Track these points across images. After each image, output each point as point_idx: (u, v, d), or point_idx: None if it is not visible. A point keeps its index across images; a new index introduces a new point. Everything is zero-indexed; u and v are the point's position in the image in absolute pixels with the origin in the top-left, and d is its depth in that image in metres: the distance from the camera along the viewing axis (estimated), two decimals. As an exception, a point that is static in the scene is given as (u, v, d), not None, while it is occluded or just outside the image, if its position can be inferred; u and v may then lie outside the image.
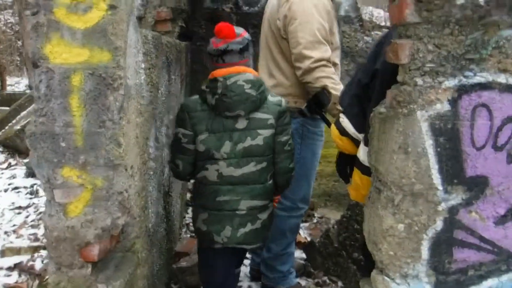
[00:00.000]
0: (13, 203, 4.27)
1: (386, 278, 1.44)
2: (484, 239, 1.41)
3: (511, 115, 1.36)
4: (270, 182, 2.21)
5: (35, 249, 3.28)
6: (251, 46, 2.18)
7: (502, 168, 1.37)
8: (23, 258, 3.18)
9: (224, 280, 2.28)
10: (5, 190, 4.60)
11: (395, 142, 1.37)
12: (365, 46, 4.53)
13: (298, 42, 2.52)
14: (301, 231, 3.60)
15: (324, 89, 2.52)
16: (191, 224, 3.68)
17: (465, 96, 1.34)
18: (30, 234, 3.59)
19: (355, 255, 2.82)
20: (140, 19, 2.02)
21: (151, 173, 2.19)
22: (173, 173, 2.28)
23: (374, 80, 1.73)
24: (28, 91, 9.59)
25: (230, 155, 2.09)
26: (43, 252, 3.21)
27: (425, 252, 1.40)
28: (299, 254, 3.31)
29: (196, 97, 2.15)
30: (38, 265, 3.09)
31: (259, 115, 2.10)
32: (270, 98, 2.15)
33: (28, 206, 4.21)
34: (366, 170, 1.70)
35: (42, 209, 4.06)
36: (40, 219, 3.86)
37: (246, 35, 2.15)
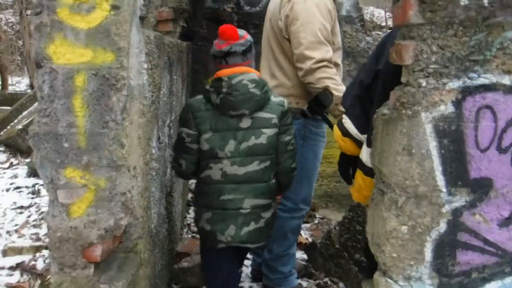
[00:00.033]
0: (15, 202, 4.27)
1: (389, 280, 1.44)
2: (488, 242, 1.41)
3: (516, 117, 1.36)
4: (273, 181, 2.23)
5: (37, 249, 3.28)
6: (253, 48, 2.21)
7: (507, 170, 1.36)
8: (25, 257, 3.17)
9: (227, 280, 2.28)
10: (7, 190, 4.60)
11: (398, 143, 1.37)
12: (366, 47, 4.53)
13: (299, 43, 2.52)
14: (302, 232, 3.61)
15: (326, 90, 2.52)
16: (192, 224, 3.70)
17: (469, 98, 1.34)
18: (32, 234, 3.59)
19: (357, 257, 2.82)
20: (142, 19, 2.01)
21: (154, 173, 2.19)
22: (176, 172, 2.30)
23: (376, 81, 1.72)
24: (29, 90, 9.60)
25: (234, 153, 2.11)
26: (45, 252, 3.21)
27: (428, 254, 1.40)
28: (300, 255, 3.31)
29: (200, 97, 2.17)
30: (40, 264, 3.09)
31: (262, 114, 2.12)
32: (273, 98, 2.19)
33: (30, 206, 4.21)
34: (369, 172, 1.69)
35: (44, 209, 4.07)
36: (42, 218, 3.87)
37: (249, 37, 2.19)
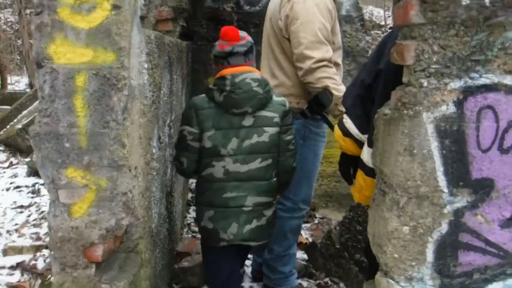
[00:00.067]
0: (15, 202, 4.27)
1: (390, 280, 1.43)
2: (490, 242, 1.41)
3: (517, 117, 1.36)
4: (275, 179, 2.25)
5: (37, 248, 3.28)
6: (254, 49, 2.24)
7: (508, 171, 1.36)
8: (25, 257, 3.17)
9: (228, 279, 2.28)
10: (7, 189, 4.60)
11: (400, 144, 1.37)
12: (366, 46, 4.53)
13: (299, 42, 2.52)
14: (302, 232, 3.60)
15: (326, 90, 2.52)
16: (192, 224, 3.70)
17: (471, 98, 1.34)
18: (32, 233, 3.59)
19: (357, 257, 2.82)
20: (143, 19, 2.01)
21: (154, 173, 2.19)
22: (178, 170, 2.32)
23: (377, 81, 1.72)
24: (28, 90, 9.60)
25: (237, 151, 2.13)
26: (45, 251, 3.21)
27: (430, 255, 1.40)
28: (300, 255, 3.31)
29: (202, 95, 2.19)
30: (40, 264, 3.09)
31: (265, 113, 2.15)
32: (275, 98, 2.22)
33: (30, 205, 4.21)
34: (370, 172, 1.69)
35: (44, 208, 4.07)
36: (42, 218, 3.87)
37: (249, 38, 2.22)
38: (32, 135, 1.62)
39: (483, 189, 1.38)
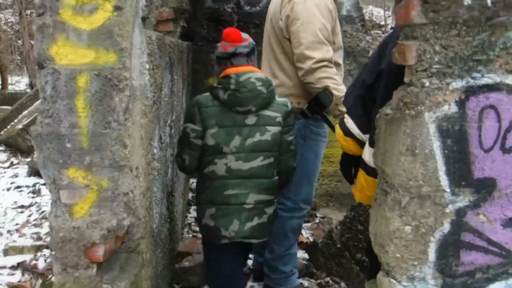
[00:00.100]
0: (15, 202, 4.28)
1: (392, 280, 1.44)
2: (492, 242, 1.41)
3: (519, 117, 1.36)
4: (276, 178, 2.27)
5: (38, 248, 3.28)
6: (256, 51, 2.27)
7: (510, 170, 1.36)
8: (26, 257, 3.18)
9: (230, 277, 2.29)
10: (8, 189, 4.61)
11: (402, 144, 1.37)
12: (367, 46, 4.53)
13: (300, 43, 2.52)
14: (303, 231, 3.61)
15: (326, 90, 2.52)
16: (193, 224, 3.70)
17: (473, 98, 1.34)
18: (33, 233, 3.60)
19: (358, 256, 2.82)
20: (144, 20, 2.01)
21: (155, 173, 2.19)
22: (179, 167, 2.33)
23: (379, 81, 1.72)
24: (28, 90, 9.60)
25: (239, 149, 2.15)
26: (46, 251, 3.22)
27: (432, 255, 1.40)
28: (301, 254, 3.31)
29: (206, 94, 2.22)
30: (41, 264, 3.09)
31: (268, 112, 2.18)
32: (278, 98, 2.25)
33: (30, 205, 4.21)
34: (371, 172, 1.69)
35: (44, 208, 4.07)
36: (42, 218, 3.87)
37: (251, 40, 2.26)
38: (33, 136, 1.62)
39: (485, 188, 1.38)
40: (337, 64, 2.68)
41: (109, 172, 1.65)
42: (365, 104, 1.80)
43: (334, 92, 2.50)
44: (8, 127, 6.01)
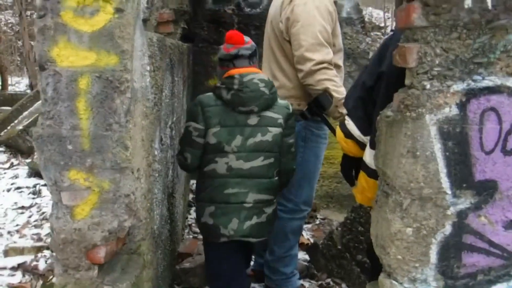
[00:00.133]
0: (15, 203, 4.28)
1: (394, 282, 1.44)
2: (493, 244, 1.41)
3: (520, 119, 1.36)
4: (276, 178, 2.30)
5: (39, 249, 3.28)
6: (257, 54, 2.31)
7: (511, 173, 1.37)
8: (27, 258, 3.18)
9: (230, 278, 2.29)
10: (8, 190, 4.61)
11: (403, 146, 1.37)
12: (367, 48, 4.54)
13: (300, 45, 2.53)
14: (303, 233, 3.61)
15: (326, 92, 2.52)
16: (193, 225, 3.71)
17: (474, 100, 1.34)
18: (33, 234, 3.60)
19: (359, 257, 2.82)
20: (145, 21, 2.02)
21: (156, 175, 2.19)
22: (181, 165, 2.36)
23: (379, 83, 1.73)
24: (28, 91, 9.60)
25: (240, 148, 2.17)
26: (47, 252, 3.22)
27: (433, 256, 1.40)
28: (302, 255, 3.31)
29: (209, 93, 2.25)
30: (41, 265, 3.09)
31: (269, 113, 2.21)
32: (279, 100, 2.28)
33: (30, 206, 4.22)
34: (372, 173, 1.69)
35: (45, 209, 4.07)
36: (43, 219, 3.87)
37: (252, 42, 2.30)
38: (35, 137, 1.62)
39: (486, 190, 1.38)
40: (337, 66, 2.68)
41: (110, 174, 1.65)
42: (366, 106, 1.81)
43: (334, 94, 2.51)
44: (8, 128, 6.01)
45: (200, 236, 2.47)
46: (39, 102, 1.68)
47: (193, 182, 4.20)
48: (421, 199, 1.37)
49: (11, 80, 12.45)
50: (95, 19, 1.58)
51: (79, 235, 1.65)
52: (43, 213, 4.00)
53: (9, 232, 3.65)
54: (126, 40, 1.61)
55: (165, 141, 2.45)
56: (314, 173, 2.83)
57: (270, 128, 2.20)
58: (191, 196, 4.19)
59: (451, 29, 1.34)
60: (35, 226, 3.77)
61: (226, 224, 2.17)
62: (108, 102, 1.61)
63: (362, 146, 1.83)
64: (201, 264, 2.85)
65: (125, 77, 1.61)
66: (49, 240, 1.72)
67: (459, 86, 1.35)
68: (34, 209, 4.14)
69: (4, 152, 5.77)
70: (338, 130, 1.92)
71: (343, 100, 2.36)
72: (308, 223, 3.97)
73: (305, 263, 3.25)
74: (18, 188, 4.66)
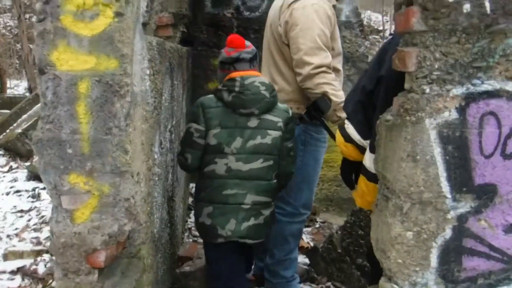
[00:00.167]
0: (15, 206, 4.26)
1: (394, 286, 1.44)
2: (494, 248, 1.41)
3: (520, 123, 1.36)
4: (275, 181, 2.31)
5: (38, 253, 3.27)
6: (258, 57, 2.33)
7: (511, 176, 1.37)
8: (26, 262, 3.16)
9: (230, 280, 2.28)
10: (7, 194, 4.59)
11: (403, 150, 1.37)
12: (366, 51, 4.54)
13: (298, 48, 2.53)
14: (303, 236, 3.60)
15: (324, 96, 2.52)
16: (193, 228, 3.70)
17: (473, 104, 1.35)
18: (32, 238, 3.58)
19: (359, 261, 2.82)
20: (145, 25, 2.02)
21: (156, 179, 2.19)
22: (181, 166, 2.38)
23: (379, 87, 1.73)
24: (27, 94, 9.60)
25: (240, 150, 2.19)
26: (46, 256, 3.20)
27: (434, 260, 1.40)
28: (302, 259, 3.30)
29: (210, 95, 2.28)
30: (41, 269, 3.08)
31: (269, 117, 2.24)
32: (279, 104, 2.31)
33: (30, 210, 4.20)
34: (372, 177, 1.70)
35: (44, 213, 4.06)
36: (42, 222, 3.86)
37: (253, 47, 2.34)
38: (34, 141, 1.62)
39: (486, 194, 1.38)
40: (336, 70, 2.68)
41: (110, 178, 1.65)
42: (365, 110, 1.81)
43: (333, 98, 2.51)
44: (7, 131, 6.00)
45: (200, 240, 2.47)
46: (38, 105, 1.68)
47: (192, 185, 4.19)
48: (421, 203, 1.38)
49: (9, 83, 12.44)
50: (95, 23, 1.58)
51: (79, 239, 1.65)
52: (43, 216, 3.99)
53: (8, 236, 3.63)
54: (126, 44, 1.61)
55: (165, 145, 2.45)
56: (314, 177, 2.83)
57: (269, 131, 2.22)
58: (190, 199, 4.18)
59: (450, 33, 1.35)
60: (35, 230, 3.75)
61: (224, 225, 2.18)
62: (108, 106, 1.61)
63: (362, 150, 1.83)
64: (201, 267, 2.84)
65: (125, 81, 1.61)
66: (48, 243, 1.71)
67: (458, 90, 1.35)
68: (33, 213, 4.12)
69: (3, 155, 5.75)
70: (338, 134, 1.92)
71: (341, 104, 2.36)
72: (308, 226, 3.97)
73: (305, 267, 3.25)
74: (17, 191, 4.64)
